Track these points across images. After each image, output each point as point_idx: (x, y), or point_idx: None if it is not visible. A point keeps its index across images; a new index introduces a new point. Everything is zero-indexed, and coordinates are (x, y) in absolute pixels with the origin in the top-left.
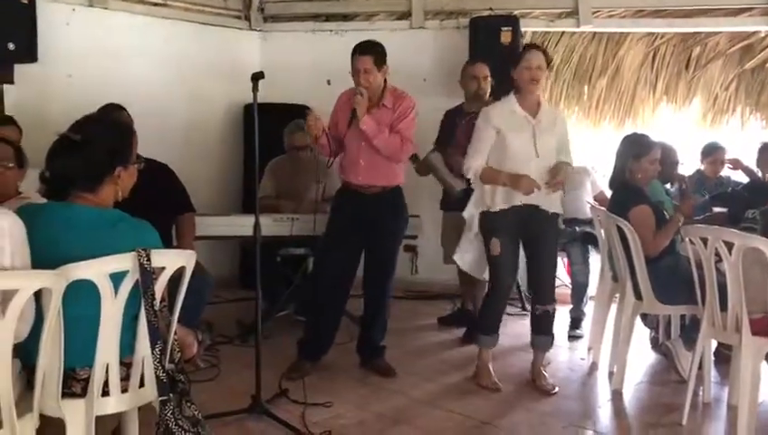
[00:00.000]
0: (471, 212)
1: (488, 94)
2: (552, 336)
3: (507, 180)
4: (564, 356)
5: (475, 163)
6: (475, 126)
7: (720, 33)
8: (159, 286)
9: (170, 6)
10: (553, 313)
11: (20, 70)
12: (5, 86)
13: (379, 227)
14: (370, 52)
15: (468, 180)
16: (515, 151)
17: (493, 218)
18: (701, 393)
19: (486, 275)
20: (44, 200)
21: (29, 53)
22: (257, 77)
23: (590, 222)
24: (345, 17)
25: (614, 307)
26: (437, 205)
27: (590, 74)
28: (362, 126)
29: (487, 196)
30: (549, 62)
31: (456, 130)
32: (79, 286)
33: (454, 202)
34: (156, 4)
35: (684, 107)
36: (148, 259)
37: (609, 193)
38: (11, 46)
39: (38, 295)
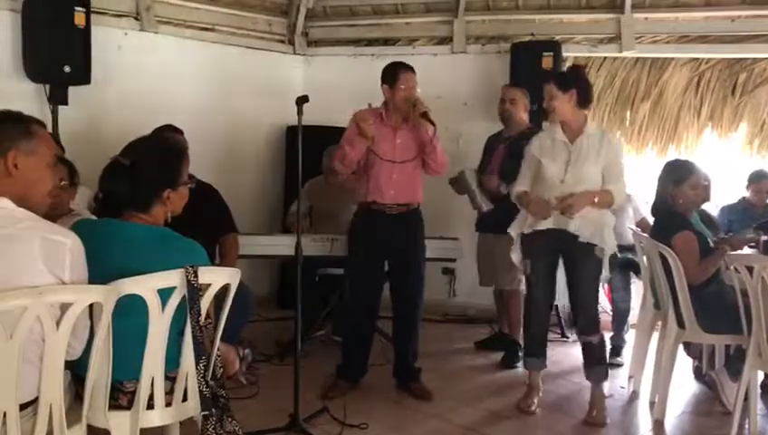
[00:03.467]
0: (513, 230)
1: (517, 117)
2: (602, 366)
3: (526, 204)
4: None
5: (517, 188)
6: (510, 152)
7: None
8: (205, 303)
9: (218, 30)
10: (598, 343)
11: (74, 91)
12: (60, 107)
13: (405, 248)
14: (414, 71)
15: (497, 203)
16: (547, 177)
17: (525, 240)
18: (747, 426)
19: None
20: (93, 217)
21: (83, 76)
22: (302, 101)
23: (631, 248)
24: (386, 42)
25: (656, 335)
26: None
27: (632, 99)
28: (430, 131)
29: (521, 218)
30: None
31: (493, 154)
32: (128, 301)
33: (488, 223)
34: (204, 29)
35: (730, 133)
36: (196, 276)
37: (651, 219)
38: (66, 69)
39: (90, 309)
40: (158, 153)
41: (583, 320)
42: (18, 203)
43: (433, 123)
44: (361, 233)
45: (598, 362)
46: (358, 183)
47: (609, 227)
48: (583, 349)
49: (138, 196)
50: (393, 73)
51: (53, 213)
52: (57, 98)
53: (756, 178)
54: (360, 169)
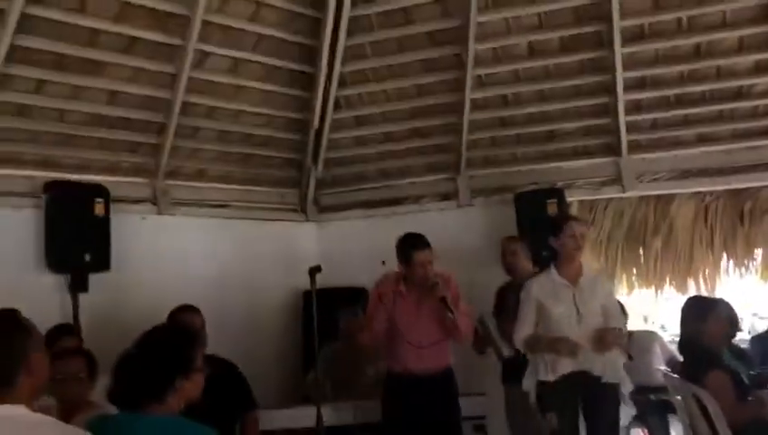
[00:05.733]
0: (528, 383)
1: (521, 266)
2: None
3: (547, 345)
4: None
5: (521, 334)
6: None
7: None
8: None
9: (232, 207)
10: None
11: (93, 278)
12: (81, 295)
13: (440, 414)
14: (429, 244)
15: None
16: (558, 319)
17: (547, 390)
18: None
19: None
20: (113, 409)
21: (103, 263)
22: (315, 271)
23: (664, 389)
24: (394, 202)
25: None
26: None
27: (643, 236)
28: (459, 322)
29: (540, 367)
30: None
31: (507, 303)
32: None
33: (513, 374)
34: (218, 206)
35: (746, 261)
36: None
37: (680, 357)
38: (87, 258)
39: None
40: (168, 342)
41: None
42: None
43: (451, 311)
44: (395, 397)
45: None
46: (385, 352)
47: (621, 364)
48: None
49: (149, 387)
50: (407, 254)
51: (71, 406)
52: (77, 286)
53: None
54: (384, 340)
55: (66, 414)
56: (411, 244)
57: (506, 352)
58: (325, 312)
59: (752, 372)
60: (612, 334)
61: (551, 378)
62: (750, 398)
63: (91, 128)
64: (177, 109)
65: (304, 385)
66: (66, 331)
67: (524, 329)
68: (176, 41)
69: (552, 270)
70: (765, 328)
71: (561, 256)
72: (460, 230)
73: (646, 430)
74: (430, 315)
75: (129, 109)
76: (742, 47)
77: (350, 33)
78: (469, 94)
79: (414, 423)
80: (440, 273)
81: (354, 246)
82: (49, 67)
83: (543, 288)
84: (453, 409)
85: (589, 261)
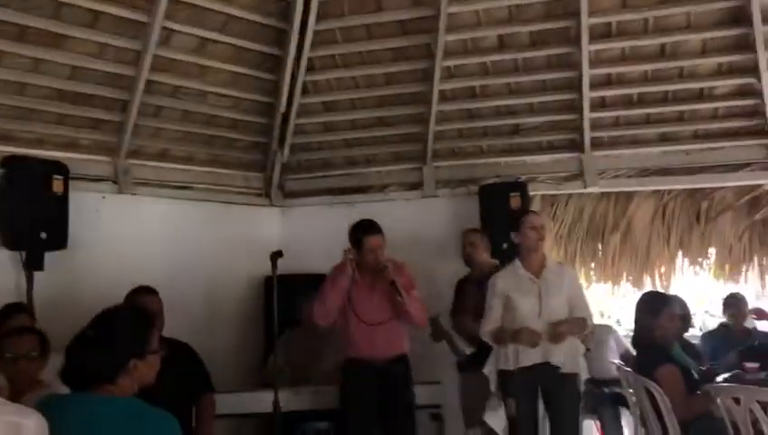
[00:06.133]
0: (489, 369)
1: (480, 258)
2: None
3: (510, 336)
4: None
5: (487, 328)
6: (480, 292)
7: (726, 187)
8: None
9: (194, 189)
10: None
11: (49, 256)
12: (35, 273)
13: (397, 402)
14: (380, 230)
15: (477, 344)
16: (522, 312)
17: (507, 379)
18: None
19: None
20: (65, 388)
21: (60, 241)
22: (276, 256)
23: (617, 382)
24: (360, 190)
25: None
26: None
27: (602, 232)
28: (408, 306)
29: (501, 356)
30: None
31: (464, 296)
32: None
33: (470, 364)
34: (180, 187)
35: (700, 259)
36: None
37: (634, 352)
38: (43, 235)
39: None
40: (123, 323)
41: None
42: None
43: (401, 294)
44: (352, 384)
45: None
46: (341, 339)
47: (581, 354)
48: None
49: (102, 369)
50: (358, 238)
51: (21, 385)
52: (32, 263)
53: (732, 304)
54: (340, 327)
55: (16, 394)
56: (362, 229)
57: (467, 350)
58: (287, 298)
59: (701, 368)
60: (566, 325)
61: (512, 367)
62: (699, 392)
63: (52, 102)
64: (141, 87)
65: (264, 371)
66: (18, 309)
67: (490, 323)
68: (142, 17)
69: (517, 263)
70: (716, 325)
71: (524, 249)
72: (424, 221)
73: (598, 422)
74: (383, 297)
75: (92, 85)
76: (705, 49)
77: (320, 18)
78: (438, 85)
79: (369, 409)
80: (392, 259)
81: (317, 233)
82: (10, 38)
83: (508, 282)
84: (407, 397)
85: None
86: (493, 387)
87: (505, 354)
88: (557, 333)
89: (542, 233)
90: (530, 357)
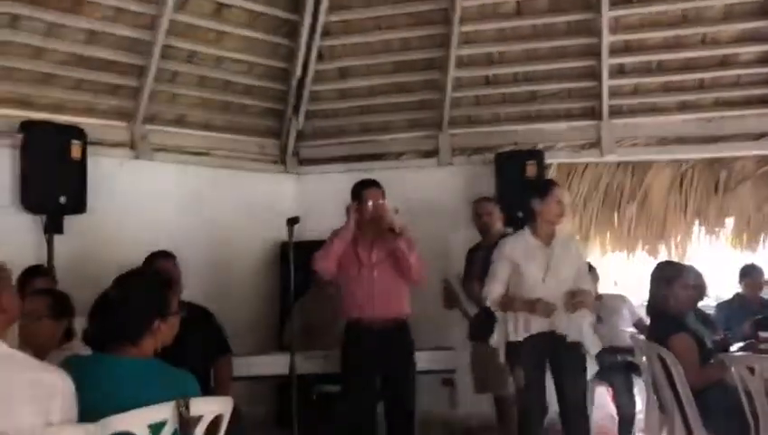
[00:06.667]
0: (496, 340)
1: (495, 227)
2: None
3: (522, 305)
4: None
5: (492, 290)
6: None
7: (746, 156)
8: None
9: (212, 155)
10: None
11: (69, 220)
12: (56, 236)
13: (396, 366)
14: (381, 187)
15: (483, 307)
16: (529, 279)
17: (515, 348)
18: None
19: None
20: (88, 349)
21: (79, 205)
22: (293, 222)
23: (631, 350)
24: (375, 157)
25: None
26: None
27: (618, 201)
28: (401, 242)
29: (510, 325)
30: None
31: (474, 264)
32: None
33: (480, 331)
34: (198, 154)
35: (717, 228)
36: (187, 408)
37: (647, 320)
38: (62, 200)
39: None
40: (146, 285)
41: (570, 424)
42: None
43: (398, 234)
44: (352, 347)
45: None
46: (342, 299)
47: (588, 324)
48: None
49: (126, 330)
50: (358, 193)
51: (38, 347)
52: (53, 227)
53: (748, 273)
54: (342, 285)
55: (37, 355)
56: (363, 184)
57: (471, 311)
58: (303, 264)
59: (715, 337)
60: (582, 296)
61: (520, 337)
62: (712, 361)
63: (69, 67)
64: (157, 52)
65: (280, 335)
66: (39, 272)
67: (496, 287)
68: None
69: (527, 231)
70: (731, 295)
71: (542, 220)
72: (439, 188)
73: (610, 389)
74: (383, 248)
75: (109, 50)
76: (728, 15)
77: None
78: (455, 51)
79: (370, 372)
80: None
81: (332, 200)
82: (27, 2)
83: (517, 248)
84: (407, 361)
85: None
86: (501, 358)
87: (514, 323)
88: (575, 303)
89: (566, 209)
90: (537, 326)
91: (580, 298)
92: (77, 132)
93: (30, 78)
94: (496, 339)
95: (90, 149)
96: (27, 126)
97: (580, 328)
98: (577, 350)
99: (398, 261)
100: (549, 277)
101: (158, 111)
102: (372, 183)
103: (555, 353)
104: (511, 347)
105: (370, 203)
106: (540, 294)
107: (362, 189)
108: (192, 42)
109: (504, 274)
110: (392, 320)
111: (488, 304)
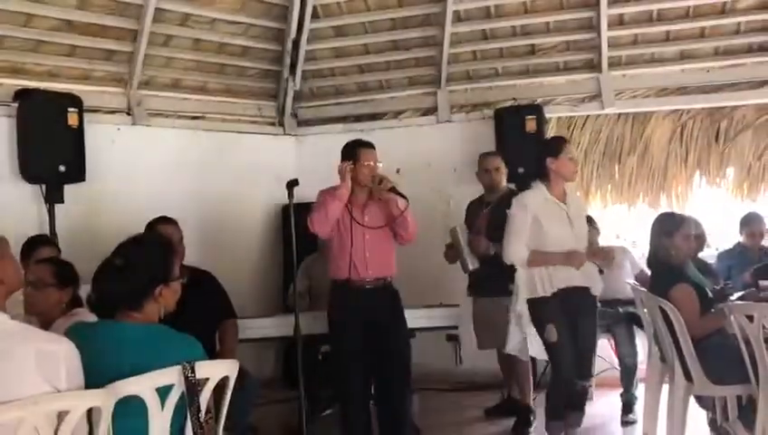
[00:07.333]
0: (520, 308)
1: (502, 183)
2: (584, 412)
3: (557, 258)
4: None
5: (517, 249)
6: (508, 213)
7: (746, 105)
8: (204, 398)
9: (208, 119)
10: (589, 388)
11: (68, 189)
12: (56, 205)
13: (389, 323)
14: (374, 146)
15: (482, 261)
16: (555, 237)
17: (543, 305)
18: None
19: (528, 356)
20: (94, 316)
21: (78, 174)
22: (292, 184)
23: (632, 302)
24: (374, 117)
25: (666, 388)
26: None
27: (619, 153)
28: (401, 204)
29: (537, 282)
30: None
31: (476, 219)
32: (127, 402)
33: (482, 287)
34: (195, 118)
35: (718, 179)
36: (193, 372)
37: (649, 272)
38: (62, 168)
39: (89, 414)
40: (148, 251)
41: (586, 367)
42: None
43: (404, 196)
44: (343, 307)
45: (582, 407)
46: (331, 260)
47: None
48: (580, 395)
49: (130, 295)
50: (354, 152)
51: (43, 315)
52: (53, 197)
53: (748, 222)
54: (334, 243)
55: (43, 324)
56: (358, 143)
57: (471, 265)
58: (304, 226)
59: (716, 287)
60: (610, 250)
61: (548, 292)
62: (712, 310)
63: (61, 34)
64: (149, 15)
65: (284, 297)
66: (42, 241)
67: (521, 246)
68: None
69: (542, 187)
70: (732, 244)
71: (555, 176)
72: (439, 146)
73: (612, 340)
74: (375, 210)
75: (100, 14)
76: None
77: None
78: (451, 6)
79: (356, 327)
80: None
81: (332, 161)
82: None
83: (538, 203)
84: (395, 309)
85: None
86: (525, 321)
87: (540, 280)
88: (606, 253)
89: (578, 166)
90: (564, 280)
91: (608, 251)
92: (73, 100)
93: (22, 45)
94: (518, 306)
95: (86, 116)
96: (22, 94)
97: (597, 279)
98: (594, 303)
99: (398, 222)
100: (571, 233)
101: (153, 75)
102: (367, 144)
103: (574, 306)
104: (537, 304)
105: (370, 164)
106: (566, 250)
107: (358, 149)
108: (184, 4)
109: (527, 231)
110: (381, 280)
111: (511, 261)
